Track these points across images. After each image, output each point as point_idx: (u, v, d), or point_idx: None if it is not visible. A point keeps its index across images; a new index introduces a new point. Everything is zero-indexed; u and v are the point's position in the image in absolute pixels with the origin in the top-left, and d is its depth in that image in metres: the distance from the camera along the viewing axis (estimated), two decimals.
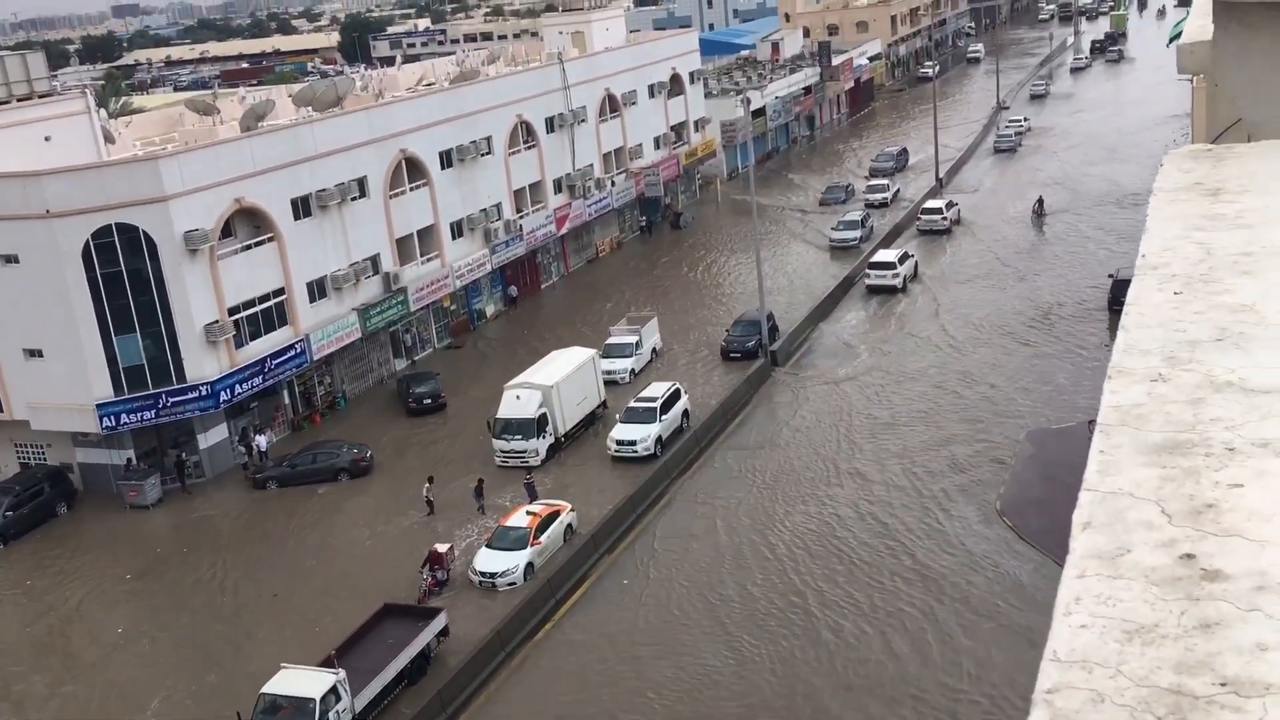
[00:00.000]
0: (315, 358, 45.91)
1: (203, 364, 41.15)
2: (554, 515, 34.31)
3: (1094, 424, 4.57)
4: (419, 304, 51.79)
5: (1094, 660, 3.18)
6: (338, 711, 26.00)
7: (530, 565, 32.52)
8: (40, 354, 40.84)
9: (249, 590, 34.71)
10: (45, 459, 43.06)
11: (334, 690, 26.00)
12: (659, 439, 40.47)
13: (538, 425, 40.39)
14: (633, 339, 49.02)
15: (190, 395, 40.86)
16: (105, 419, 40.09)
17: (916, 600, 30.20)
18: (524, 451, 40.37)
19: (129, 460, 41.88)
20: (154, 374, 40.69)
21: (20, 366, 41.30)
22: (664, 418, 41.01)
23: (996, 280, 57.35)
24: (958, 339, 49.69)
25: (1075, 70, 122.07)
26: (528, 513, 33.91)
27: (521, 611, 30.65)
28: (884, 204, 72.26)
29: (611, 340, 49.34)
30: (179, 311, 40.58)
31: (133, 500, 40.67)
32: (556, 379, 41.60)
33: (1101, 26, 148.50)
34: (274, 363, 43.76)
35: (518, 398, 40.77)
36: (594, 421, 43.58)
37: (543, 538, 33.24)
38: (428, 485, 37.62)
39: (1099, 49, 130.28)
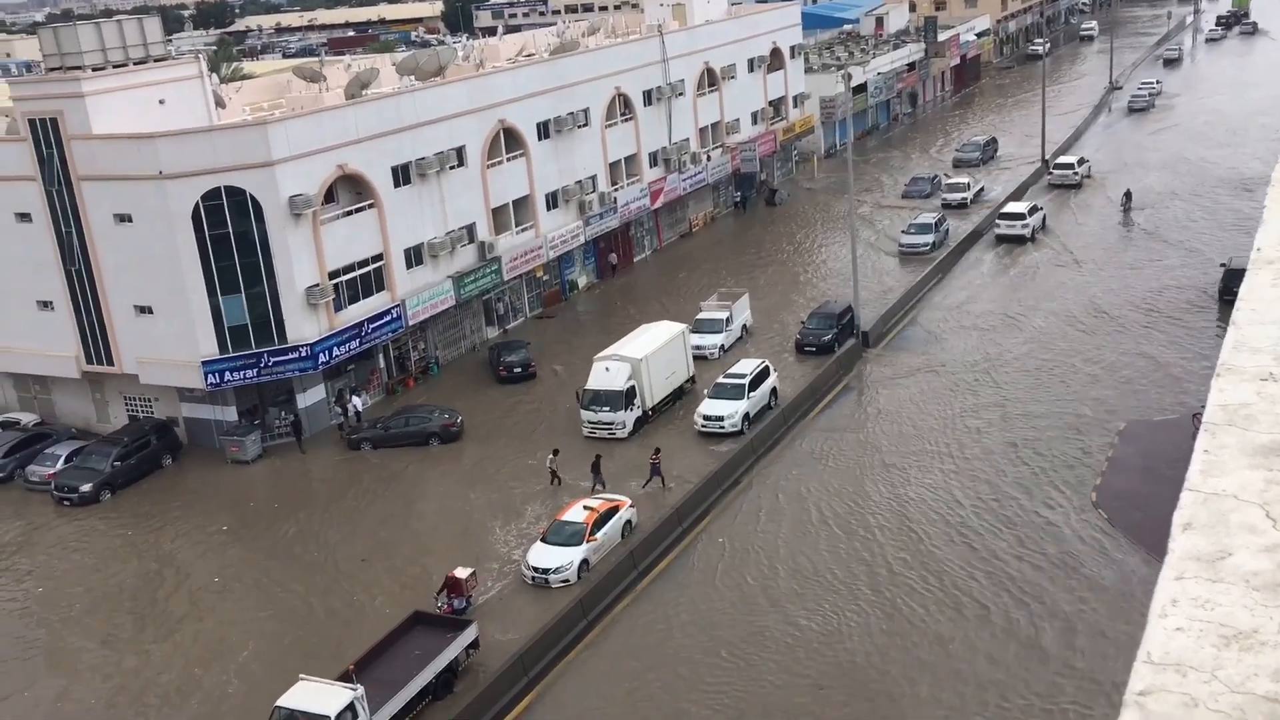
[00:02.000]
0: (410, 323, 46.39)
1: (303, 326, 41.86)
2: (612, 511, 33.28)
3: (1199, 417, 4.45)
4: (512, 273, 52.13)
5: (1189, 664, 3.11)
6: None
7: (585, 562, 31.68)
8: (150, 311, 41.96)
9: (339, 549, 35.30)
10: (153, 412, 44.32)
11: (350, 708, 24.42)
12: (746, 415, 40.40)
13: (626, 397, 40.56)
14: (723, 315, 48.88)
15: (291, 356, 41.62)
16: (210, 376, 41.01)
17: (1000, 589, 29.72)
18: (611, 423, 40.51)
19: (250, 414, 42.91)
20: (257, 334, 41.53)
21: (131, 322, 42.59)
22: (752, 394, 40.89)
23: (1100, 265, 55.90)
24: (1057, 325, 48.69)
25: (1210, 41, 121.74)
26: (585, 507, 33.09)
27: (571, 613, 29.30)
28: (963, 205, 65.59)
29: (702, 315, 49.18)
30: (282, 274, 41.29)
31: (234, 455, 41.70)
32: (646, 352, 41.73)
33: (1222, 5, 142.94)
34: (371, 327, 44.31)
35: (607, 369, 40.93)
36: (682, 396, 43.62)
37: (599, 534, 32.31)
38: (552, 457, 37.21)
39: (1227, 24, 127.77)
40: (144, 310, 42.13)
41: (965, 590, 29.86)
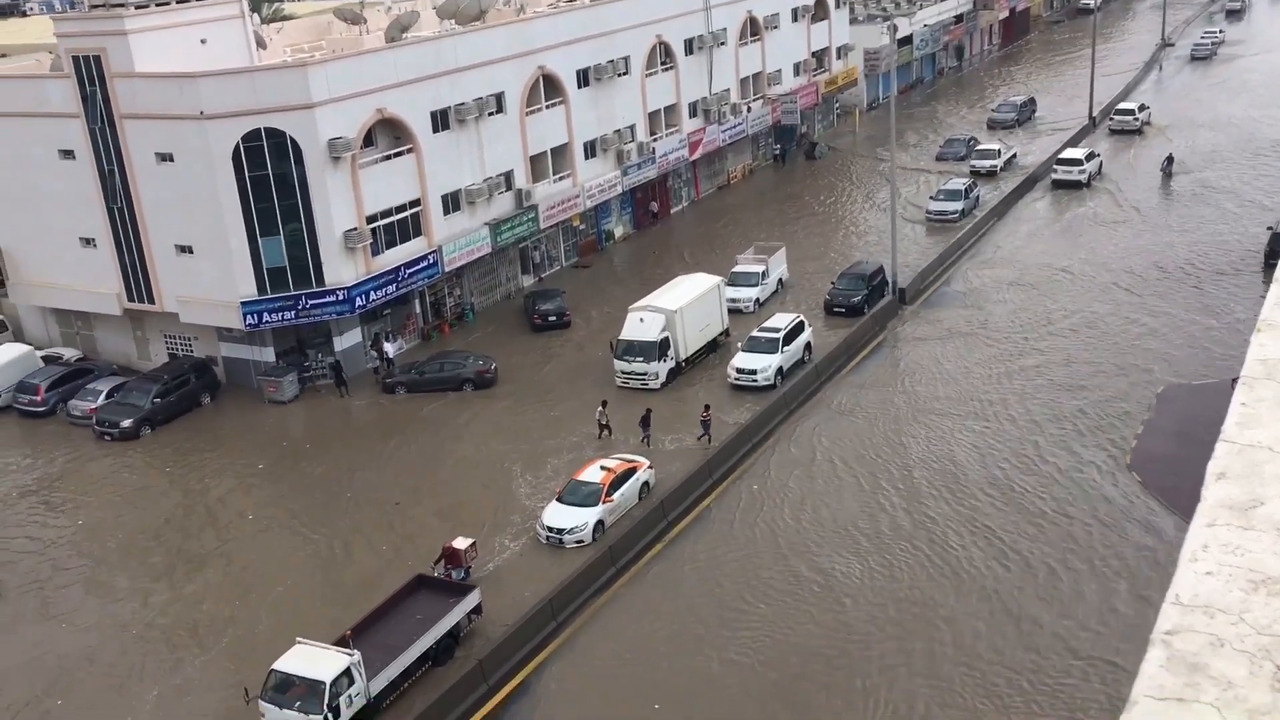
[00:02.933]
0: (447, 269, 46.43)
1: (341, 269, 41.97)
2: (630, 471, 32.94)
3: (1236, 382, 4.47)
4: (549, 222, 52.02)
5: (1217, 606, 3.15)
6: (349, 696, 24.17)
7: (600, 524, 31.40)
8: (190, 250, 42.21)
9: (372, 491, 35.59)
10: (192, 351, 44.77)
11: (347, 673, 24.09)
12: (780, 370, 40.36)
13: (660, 348, 40.56)
14: (759, 268, 48.73)
15: (328, 299, 41.83)
16: (248, 316, 41.28)
17: (1034, 546, 29.72)
18: (645, 374, 40.56)
19: (288, 355, 43.27)
20: (295, 276, 41.69)
21: (171, 261, 42.82)
22: (786, 349, 40.85)
23: (1151, 219, 55.16)
24: (1103, 281, 48.24)
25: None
26: (602, 468, 32.74)
27: (587, 571, 29.18)
28: (993, 172, 63.54)
29: (738, 268, 49.05)
30: (320, 217, 41.29)
31: (271, 395, 42.08)
32: (681, 304, 41.67)
33: None
34: (407, 272, 44.37)
35: (641, 320, 40.93)
36: (715, 348, 43.55)
37: (616, 495, 31.97)
38: (601, 409, 37.00)
39: None
40: (184, 250, 42.39)
41: (1004, 544, 29.87)
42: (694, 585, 29.38)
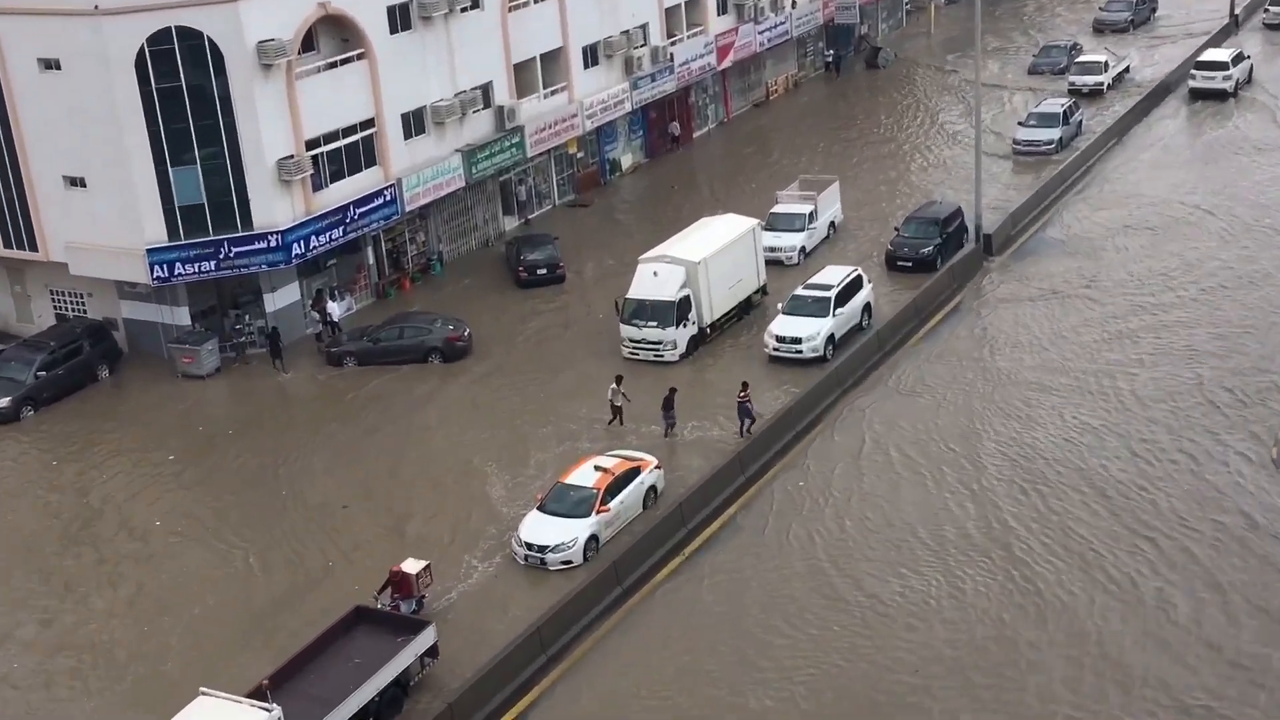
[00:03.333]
0: (408, 208, 46.32)
1: (273, 208, 41.64)
2: (632, 472, 32.50)
3: None
4: (538, 148, 51.78)
5: None
6: None
7: (594, 539, 30.95)
8: (82, 183, 41.81)
9: (311, 491, 35.40)
10: (86, 312, 44.46)
11: None
12: (831, 338, 40.00)
13: (678, 310, 40.24)
14: (806, 208, 48.48)
15: (257, 246, 41.54)
16: (157, 268, 40.93)
17: (1143, 567, 29.18)
18: (659, 343, 40.35)
19: (218, 319, 43.25)
20: (215, 217, 41.36)
21: (59, 197, 42.33)
22: (839, 311, 40.51)
23: None
24: (1240, 227, 47.99)
25: None
26: (597, 468, 32.26)
27: (581, 597, 28.43)
28: (1098, 90, 62.39)
29: (779, 209, 48.84)
30: (248, 141, 40.95)
31: (185, 367, 41.85)
32: (705, 253, 41.34)
33: None
34: (358, 211, 44.25)
35: (655, 275, 40.65)
36: (749, 310, 43.43)
37: (613, 503, 31.52)
38: (615, 387, 36.87)
39: None
40: (75, 183, 41.96)
41: (1103, 562, 29.42)
42: (714, 611, 29.02)
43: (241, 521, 34.17)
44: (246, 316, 43.43)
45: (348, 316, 45.19)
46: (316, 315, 44.32)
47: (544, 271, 47.23)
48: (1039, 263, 46.51)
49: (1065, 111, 57.82)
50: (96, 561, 33.03)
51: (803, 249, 47.59)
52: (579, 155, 55.80)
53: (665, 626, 28.72)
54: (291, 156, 41.89)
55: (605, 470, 32.22)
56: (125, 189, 41.04)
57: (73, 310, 44.89)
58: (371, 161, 45.19)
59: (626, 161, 58.77)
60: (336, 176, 43.94)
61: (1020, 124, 58.32)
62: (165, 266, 41.10)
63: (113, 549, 33.52)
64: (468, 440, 37.35)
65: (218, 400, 41.21)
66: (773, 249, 46.35)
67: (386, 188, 45.29)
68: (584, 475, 32.25)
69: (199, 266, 41.39)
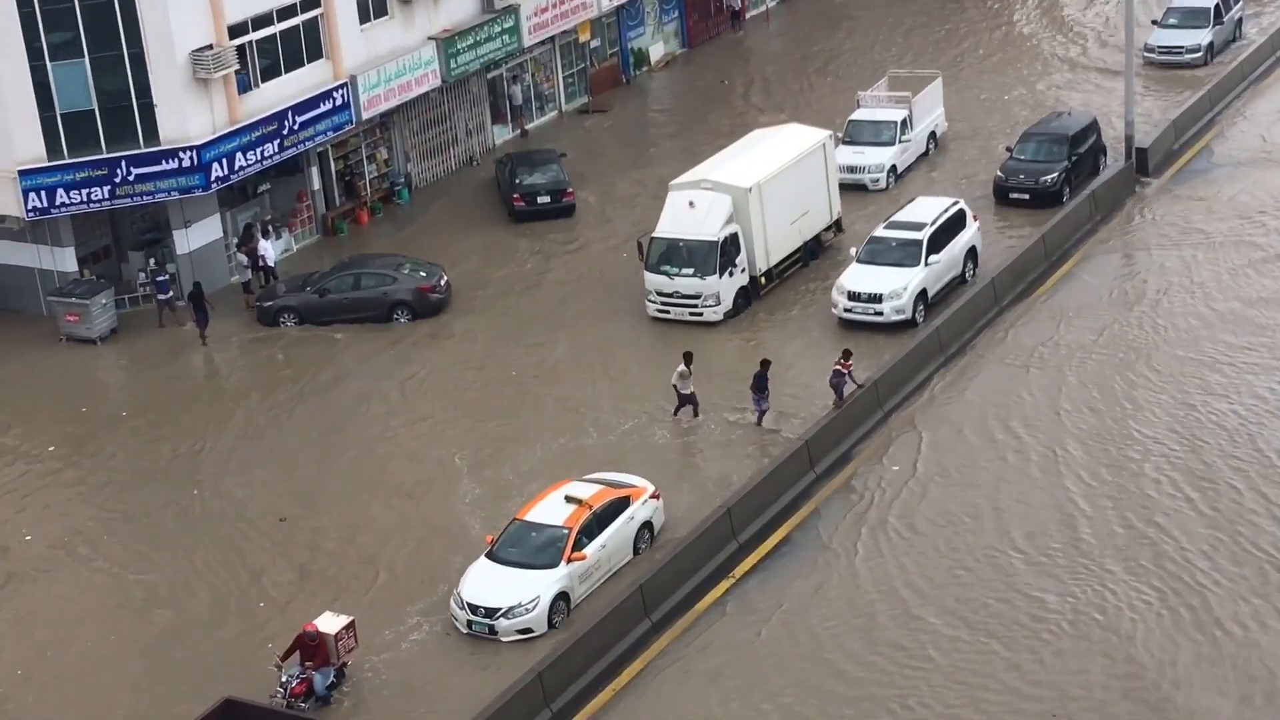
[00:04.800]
0: (365, 116, 46.60)
1: (186, 116, 41.76)
2: (617, 506, 31.39)
3: None
4: (538, 35, 52.39)
5: None
6: None
7: (563, 599, 29.73)
8: None
9: (234, 496, 34.99)
10: None
11: None
12: (923, 294, 39.77)
13: (721, 253, 39.94)
14: (898, 114, 48.56)
15: (165, 165, 41.75)
16: (32, 195, 40.97)
17: None
18: (696, 297, 40.19)
19: (113, 264, 42.83)
20: (109, 128, 41.59)
21: None
22: (934, 259, 40.13)
23: None
24: None
25: None
26: (569, 499, 31.09)
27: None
28: (1195, 63, 56.69)
29: (861, 115, 49.05)
30: (151, 26, 41.03)
31: (70, 327, 42.04)
32: (759, 177, 41.03)
33: None
34: (298, 120, 44.38)
35: (691, 206, 40.39)
36: (817, 254, 43.23)
37: (590, 548, 30.29)
38: (683, 369, 36.24)
39: None
40: None
41: None
42: (761, 655, 28.46)
43: (139, 540, 33.70)
44: (153, 261, 43.48)
45: (285, 259, 45.21)
46: (244, 258, 44.29)
47: (547, 199, 47.39)
48: (1209, 185, 46.65)
49: (1217, 6, 56.96)
50: None
51: (893, 169, 47.67)
52: (593, 44, 56.14)
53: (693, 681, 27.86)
54: (210, 47, 41.89)
55: (580, 503, 30.93)
56: None
57: None
58: (317, 53, 45.41)
59: (657, 52, 59.16)
60: (270, 74, 44.20)
61: (1156, 23, 57.67)
62: (43, 194, 41.15)
63: None
64: (441, 429, 37.20)
65: (111, 372, 41.38)
66: (853, 169, 46.73)
67: (336, 88, 45.46)
68: (551, 509, 30.94)
69: (88, 194, 41.48)
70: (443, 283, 42.37)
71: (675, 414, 36.42)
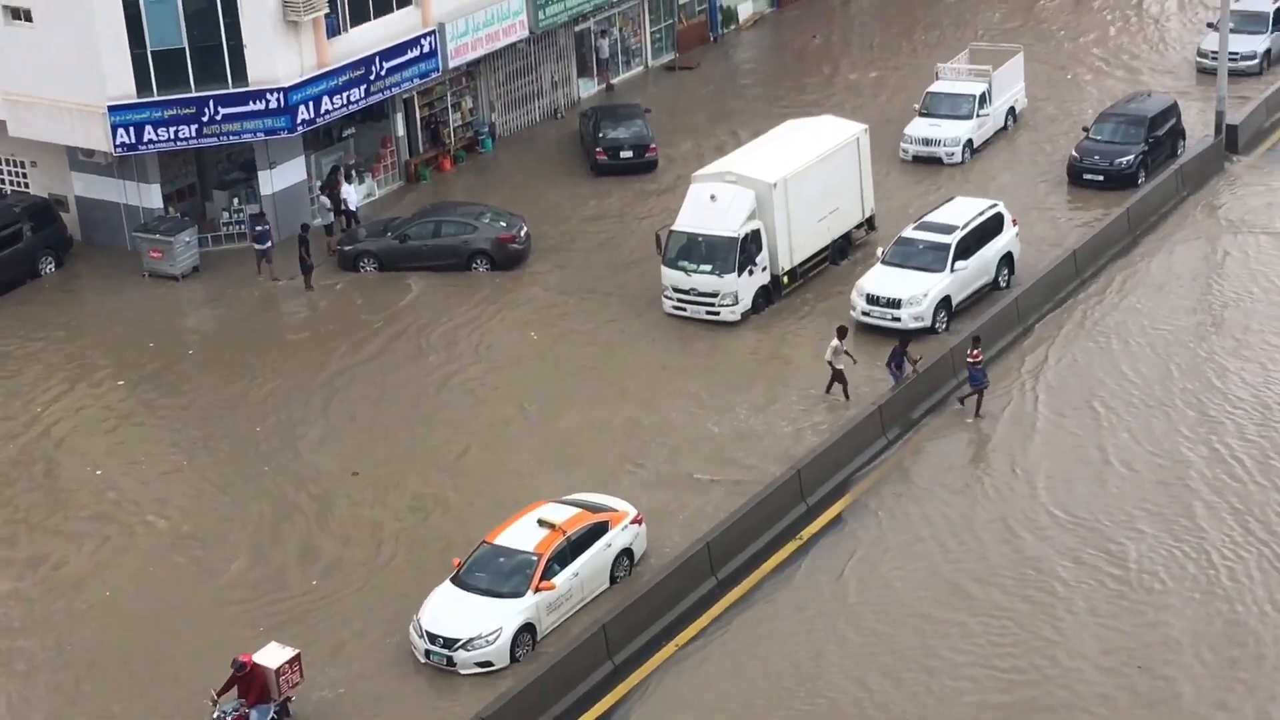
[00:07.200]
0: (451, 64, 46.69)
1: (274, 58, 41.92)
2: (594, 531, 29.63)
3: None
4: None
5: None
6: None
7: (529, 630, 27.92)
8: (27, 16, 41.82)
9: (306, 446, 34.76)
10: (27, 187, 44.90)
11: None
12: (945, 302, 38.47)
13: (742, 250, 38.89)
14: (977, 88, 47.99)
15: (253, 106, 41.92)
16: (120, 131, 40.99)
17: None
18: (713, 295, 39.05)
19: (198, 202, 42.90)
20: (198, 67, 41.70)
21: None
22: (961, 264, 38.68)
23: None
24: None
25: None
26: (541, 523, 29.37)
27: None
28: (1251, 71, 53.61)
29: (939, 87, 48.63)
30: None
31: (154, 264, 42.08)
32: (785, 171, 39.92)
33: None
34: (385, 66, 44.52)
35: (713, 199, 39.23)
36: (846, 253, 42.11)
37: (561, 576, 28.50)
38: (835, 344, 35.11)
39: None
40: (18, 15, 42.01)
41: None
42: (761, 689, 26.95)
43: (209, 486, 33.38)
44: (238, 201, 43.66)
45: (367, 204, 45.43)
46: (327, 202, 44.45)
47: (629, 154, 47.42)
48: None
49: (1279, 10, 53.77)
50: (17, 517, 32.40)
51: (969, 143, 47.18)
52: (682, 1, 56.16)
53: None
54: None
55: (554, 527, 29.20)
56: (82, 26, 41.04)
57: (10, 184, 45.16)
58: (406, 0, 44.75)
59: (745, 11, 59.03)
60: (359, 18, 44.22)
61: (1211, 25, 53.97)
62: (131, 130, 41.10)
63: (40, 500, 33.00)
64: (525, 384, 36.73)
65: (191, 309, 41.54)
66: (928, 141, 46.79)
67: (424, 35, 45.50)
68: (523, 533, 29.19)
69: (175, 132, 41.52)
70: (522, 233, 42.33)
71: (828, 390, 35.40)
